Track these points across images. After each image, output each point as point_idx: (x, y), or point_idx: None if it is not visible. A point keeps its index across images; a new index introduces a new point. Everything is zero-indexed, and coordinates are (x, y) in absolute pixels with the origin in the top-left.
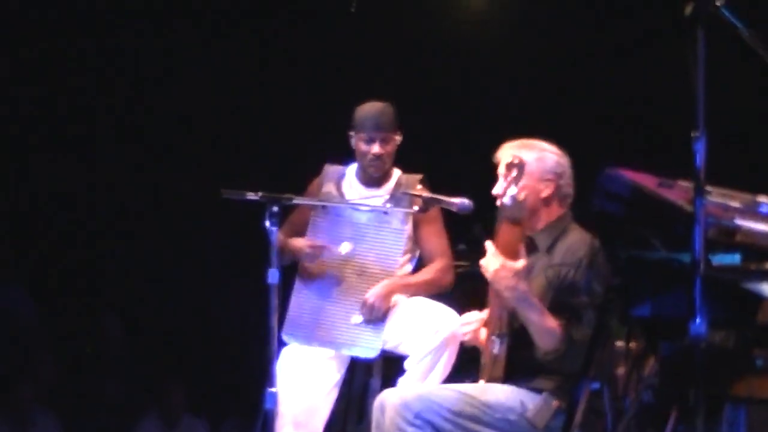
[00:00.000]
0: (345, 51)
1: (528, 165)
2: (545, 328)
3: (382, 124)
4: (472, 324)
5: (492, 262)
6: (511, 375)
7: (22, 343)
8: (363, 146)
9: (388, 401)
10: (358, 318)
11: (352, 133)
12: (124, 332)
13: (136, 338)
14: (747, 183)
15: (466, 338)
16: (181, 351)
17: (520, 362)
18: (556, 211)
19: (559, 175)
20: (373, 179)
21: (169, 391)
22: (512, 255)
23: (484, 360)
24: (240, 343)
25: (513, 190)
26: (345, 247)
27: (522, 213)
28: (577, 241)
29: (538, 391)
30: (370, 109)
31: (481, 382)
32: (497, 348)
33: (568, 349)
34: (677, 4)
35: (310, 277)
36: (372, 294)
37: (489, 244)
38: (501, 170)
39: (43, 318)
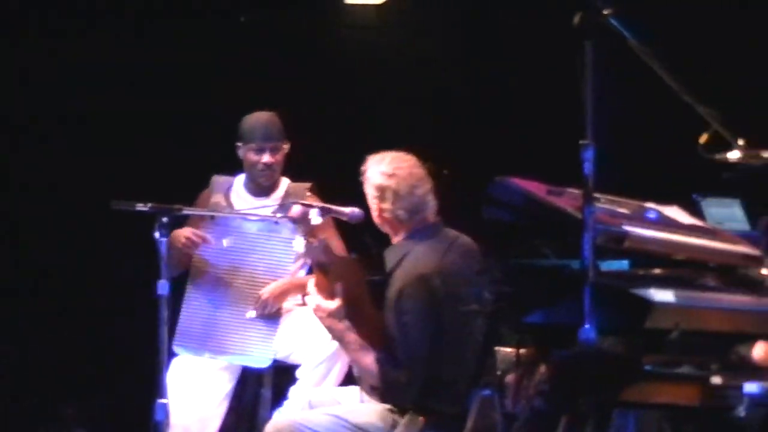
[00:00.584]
0: (233, 61)
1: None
2: (362, 365)
3: (271, 133)
4: None
5: (310, 301)
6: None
7: None
8: (252, 156)
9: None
10: (252, 313)
11: (239, 144)
12: (13, 347)
13: (26, 353)
14: (634, 190)
15: None
16: (71, 365)
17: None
18: (401, 228)
19: (380, 195)
20: (262, 189)
21: (61, 406)
22: (328, 294)
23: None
24: (131, 355)
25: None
26: (227, 241)
27: (321, 255)
28: (416, 259)
29: (403, 409)
30: (257, 120)
31: (362, 396)
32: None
33: (388, 389)
34: (567, 14)
35: (200, 288)
36: (267, 290)
37: (310, 285)
38: None
39: None
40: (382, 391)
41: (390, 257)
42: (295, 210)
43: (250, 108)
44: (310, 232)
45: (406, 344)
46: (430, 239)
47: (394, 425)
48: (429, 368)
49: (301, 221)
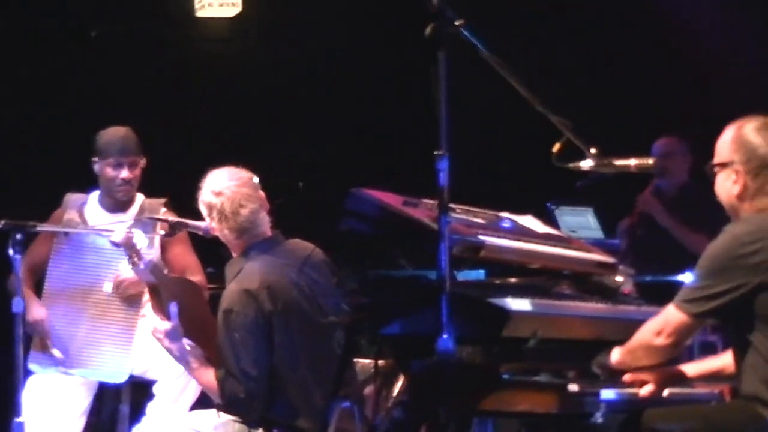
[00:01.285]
0: (86, 76)
1: None
2: (204, 383)
3: (128, 148)
4: None
5: (147, 322)
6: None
7: None
8: (110, 171)
9: None
10: (108, 285)
11: (96, 159)
12: None
13: None
14: (489, 200)
15: None
16: None
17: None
18: (233, 246)
19: (209, 213)
20: (117, 205)
21: None
22: (164, 315)
23: None
24: None
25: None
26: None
27: (148, 276)
28: (245, 275)
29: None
30: (114, 135)
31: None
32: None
33: (230, 405)
34: (420, 25)
35: (55, 304)
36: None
37: (147, 308)
38: None
39: None
40: (224, 407)
41: (228, 274)
42: (117, 237)
43: (104, 123)
44: (137, 254)
45: (238, 360)
46: (265, 254)
47: None
48: (274, 382)
49: (126, 246)
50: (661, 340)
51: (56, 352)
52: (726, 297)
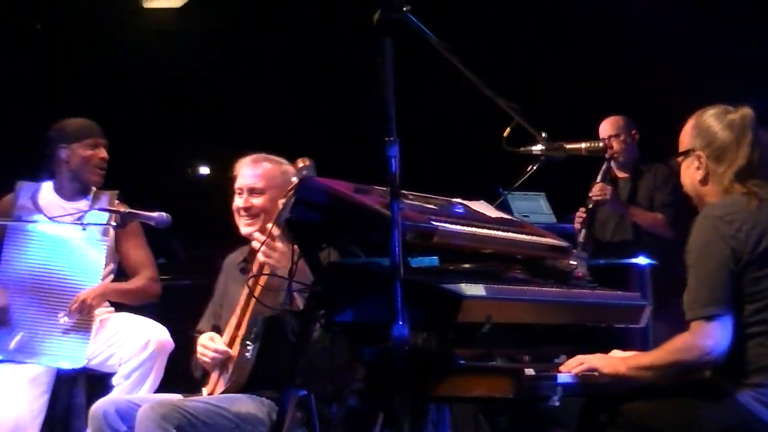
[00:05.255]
0: (32, 69)
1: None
2: None
3: (101, 132)
4: (219, 351)
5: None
6: (254, 381)
7: None
8: (87, 152)
9: (141, 413)
10: (65, 318)
11: (63, 146)
12: None
13: None
14: (440, 186)
15: (208, 360)
16: None
17: (265, 370)
18: None
19: None
20: (75, 192)
21: None
22: None
23: (231, 362)
24: None
25: None
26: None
27: None
28: None
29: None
30: (84, 121)
31: (218, 391)
32: (251, 352)
33: None
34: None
35: (10, 293)
36: (85, 292)
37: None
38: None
39: None
40: None
41: None
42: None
43: (50, 115)
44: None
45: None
46: None
47: (271, 419)
48: None
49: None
50: (708, 357)
51: (13, 342)
52: (722, 277)
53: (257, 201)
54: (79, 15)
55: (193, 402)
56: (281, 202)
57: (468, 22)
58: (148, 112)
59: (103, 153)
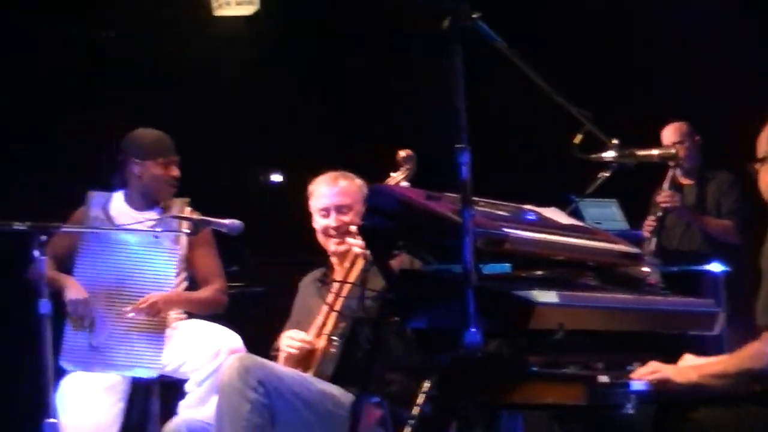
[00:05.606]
0: (104, 77)
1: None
2: None
3: (174, 148)
4: (300, 342)
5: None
6: (339, 376)
7: None
8: (158, 170)
9: (226, 363)
10: (131, 313)
11: (136, 160)
12: None
13: None
14: (512, 193)
15: (295, 351)
16: None
17: (352, 367)
18: None
19: None
20: (145, 202)
21: None
22: None
23: (316, 357)
24: (14, 377)
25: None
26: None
27: None
28: None
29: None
30: (157, 135)
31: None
32: (336, 348)
33: None
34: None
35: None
36: (155, 294)
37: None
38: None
39: None
40: None
41: None
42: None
43: (122, 123)
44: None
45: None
46: None
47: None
48: None
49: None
50: None
51: (99, 341)
52: None
53: (346, 218)
54: (151, 23)
55: (281, 367)
56: None
57: (536, 29)
58: (219, 120)
59: (174, 171)
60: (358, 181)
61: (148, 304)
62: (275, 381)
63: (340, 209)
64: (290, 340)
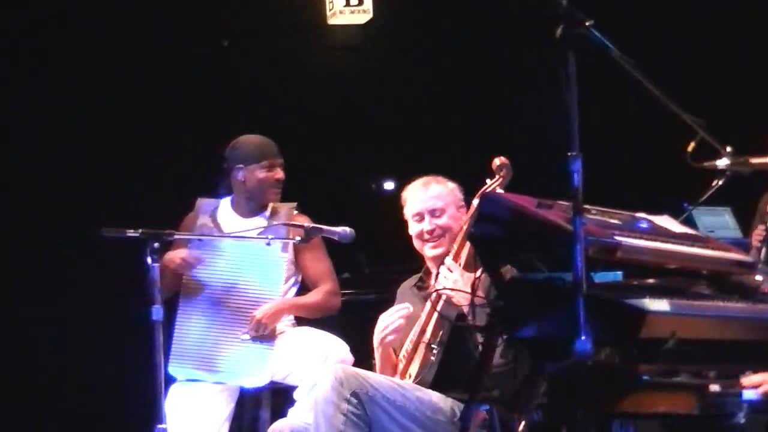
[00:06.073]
0: (219, 85)
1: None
2: None
3: (279, 151)
4: (395, 320)
5: (452, 273)
6: (439, 383)
7: None
8: (263, 174)
9: (322, 380)
10: (246, 335)
11: (241, 166)
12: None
13: (16, 385)
14: (624, 201)
15: (390, 337)
16: (66, 395)
17: (451, 373)
18: None
19: None
20: (252, 210)
21: None
22: (470, 263)
23: (416, 364)
24: (125, 383)
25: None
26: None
27: None
28: None
29: (462, 401)
30: (261, 140)
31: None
32: (435, 356)
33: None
34: (548, 27)
35: (193, 310)
36: (260, 311)
37: (449, 260)
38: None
39: None
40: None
41: None
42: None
43: (235, 130)
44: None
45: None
46: None
47: (453, 414)
48: None
49: None
50: None
51: (202, 347)
52: None
53: (440, 221)
54: (266, 32)
55: (376, 375)
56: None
57: (647, 35)
58: (332, 127)
59: (279, 174)
60: (451, 184)
61: (254, 324)
62: (370, 391)
63: (433, 213)
64: (386, 317)
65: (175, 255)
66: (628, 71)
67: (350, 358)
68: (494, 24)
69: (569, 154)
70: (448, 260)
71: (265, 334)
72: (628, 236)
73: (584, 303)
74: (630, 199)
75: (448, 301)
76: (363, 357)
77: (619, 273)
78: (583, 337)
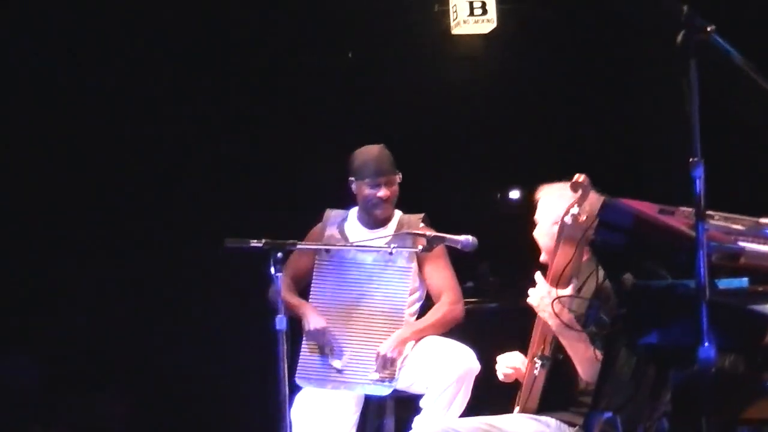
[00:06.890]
0: (343, 95)
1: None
2: (586, 357)
3: (384, 167)
4: (514, 365)
5: (538, 288)
6: (545, 401)
7: (19, 414)
8: (367, 190)
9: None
10: (374, 375)
11: (352, 179)
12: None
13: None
14: (748, 206)
15: (507, 378)
16: (191, 406)
17: (556, 391)
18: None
19: None
20: (376, 221)
21: None
22: (563, 279)
23: (524, 384)
24: (251, 392)
25: (575, 210)
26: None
27: (579, 234)
28: None
29: (570, 424)
30: (369, 154)
31: (516, 410)
32: (538, 370)
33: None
34: (669, 33)
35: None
36: (384, 347)
37: (538, 275)
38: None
39: (44, 389)
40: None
41: None
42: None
43: (360, 140)
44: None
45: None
46: None
47: None
48: None
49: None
50: None
51: (336, 363)
52: None
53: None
54: (390, 43)
55: (466, 421)
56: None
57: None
58: (459, 136)
59: (382, 192)
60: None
61: (381, 360)
62: None
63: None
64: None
65: (311, 320)
66: (752, 77)
67: (476, 365)
68: (617, 32)
69: (691, 160)
70: (538, 275)
71: (392, 370)
72: (752, 242)
73: (707, 310)
74: (755, 205)
75: (576, 311)
76: (487, 365)
77: (745, 280)
78: (706, 345)
